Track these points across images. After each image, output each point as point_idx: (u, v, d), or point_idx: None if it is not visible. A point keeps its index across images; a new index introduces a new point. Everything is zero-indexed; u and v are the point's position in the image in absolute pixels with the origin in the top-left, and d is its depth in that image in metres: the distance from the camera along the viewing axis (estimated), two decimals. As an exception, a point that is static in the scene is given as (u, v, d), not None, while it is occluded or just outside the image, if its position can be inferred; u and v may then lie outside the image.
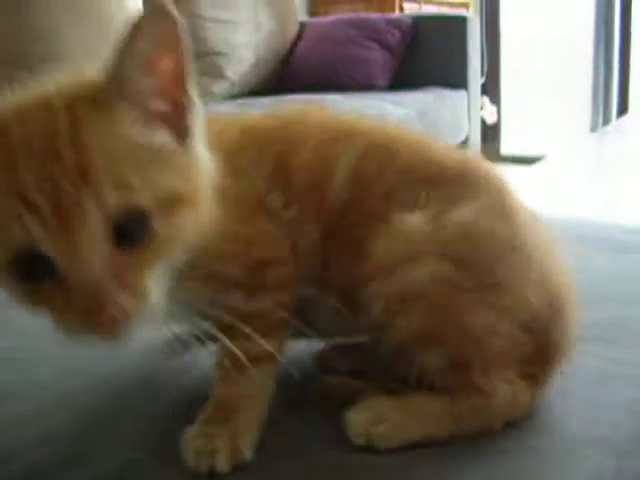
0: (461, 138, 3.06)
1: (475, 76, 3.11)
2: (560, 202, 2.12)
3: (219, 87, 2.87)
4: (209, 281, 0.50)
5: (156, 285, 0.45)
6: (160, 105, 0.47)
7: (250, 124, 0.60)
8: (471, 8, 4.11)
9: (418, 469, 0.51)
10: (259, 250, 0.54)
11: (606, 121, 3.91)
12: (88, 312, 0.43)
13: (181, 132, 0.47)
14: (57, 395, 0.62)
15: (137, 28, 0.44)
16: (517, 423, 0.55)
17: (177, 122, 0.47)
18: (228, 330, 0.51)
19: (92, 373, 0.65)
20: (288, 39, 3.21)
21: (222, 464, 0.50)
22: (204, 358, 0.62)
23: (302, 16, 3.56)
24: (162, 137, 0.46)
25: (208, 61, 2.94)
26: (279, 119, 0.61)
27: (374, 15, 3.19)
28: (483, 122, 4.35)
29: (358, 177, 0.58)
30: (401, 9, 3.59)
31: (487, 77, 4.29)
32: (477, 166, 0.61)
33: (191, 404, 0.58)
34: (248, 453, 0.52)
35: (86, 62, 0.49)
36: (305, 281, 0.56)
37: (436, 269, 0.54)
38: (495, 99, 4.32)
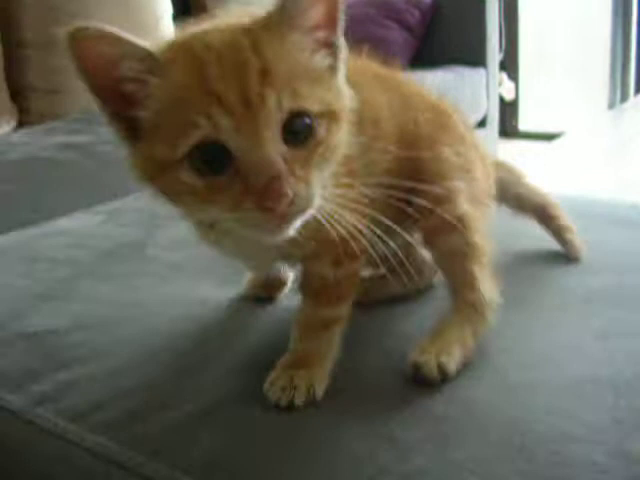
0: (480, 115, 3.13)
1: (493, 54, 3.18)
2: (577, 179, 2.20)
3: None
4: (313, 237, 0.60)
5: (316, 183, 0.54)
6: (320, 37, 0.57)
7: None
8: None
9: (462, 388, 0.64)
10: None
11: (624, 98, 3.96)
12: (265, 185, 0.50)
13: (333, 64, 0.57)
14: (142, 352, 0.73)
15: None
16: (527, 362, 0.66)
17: (330, 55, 0.57)
18: (312, 293, 0.64)
19: (170, 332, 0.76)
20: (309, 19, 3.29)
21: (300, 399, 0.62)
22: (276, 311, 0.73)
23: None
24: (321, 62, 0.56)
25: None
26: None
27: (394, -5, 3.25)
28: (501, 98, 4.41)
29: (397, 113, 0.72)
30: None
31: (505, 53, 4.35)
32: (446, 106, 0.81)
33: (262, 354, 0.69)
34: (320, 392, 0.63)
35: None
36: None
37: (463, 184, 0.74)
38: (513, 75, 4.38)
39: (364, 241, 0.63)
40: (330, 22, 0.57)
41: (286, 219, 0.52)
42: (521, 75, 4.44)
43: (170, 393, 0.66)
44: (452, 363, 0.65)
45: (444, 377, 0.64)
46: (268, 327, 0.75)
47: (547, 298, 0.80)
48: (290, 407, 0.62)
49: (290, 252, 0.64)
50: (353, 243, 0.62)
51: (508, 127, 4.45)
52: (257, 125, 0.50)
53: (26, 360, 0.74)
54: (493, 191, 0.81)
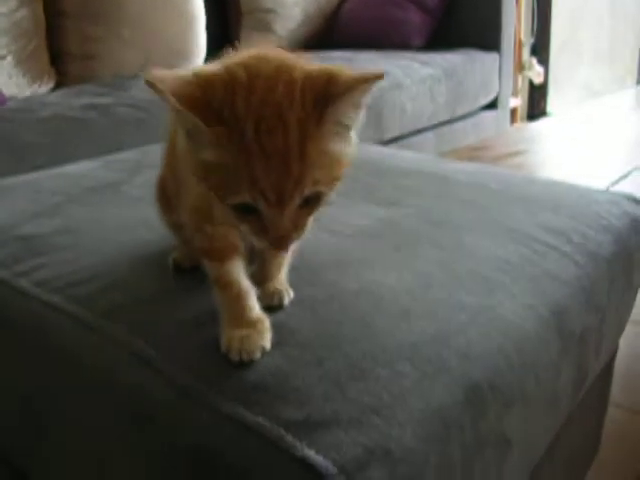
0: (490, 98, 3.43)
1: (509, 39, 3.45)
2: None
3: (268, 41, 3.30)
4: None
5: (309, 225, 0.74)
6: (347, 127, 0.72)
7: None
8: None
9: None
10: None
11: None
12: (276, 238, 0.71)
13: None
14: (92, 250, 1.08)
15: (357, 90, 0.68)
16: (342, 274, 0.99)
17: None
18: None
19: (117, 239, 1.11)
20: (335, -1, 3.61)
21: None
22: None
23: (352, -25, 3.93)
24: (343, 147, 0.73)
25: (258, 17, 3.38)
26: None
27: (415, -23, 3.55)
28: (531, 82, 4.66)
29: None
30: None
31: (536, 37, 4.59)
32: None
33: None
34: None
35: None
36: None
37: None
38: (544, 59, 4.61)
39: None
40: (356, 114, 0.72)
41: (287, 247, 0.74)
42: (552, 57, 4.66)
43: (101, 272, 1.01)
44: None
45: None
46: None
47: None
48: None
49: None
50: None
51: (536, 110, 4.70)
52: (282, 210, 0.70)
53: (15, 252, 1.10)
54: None
